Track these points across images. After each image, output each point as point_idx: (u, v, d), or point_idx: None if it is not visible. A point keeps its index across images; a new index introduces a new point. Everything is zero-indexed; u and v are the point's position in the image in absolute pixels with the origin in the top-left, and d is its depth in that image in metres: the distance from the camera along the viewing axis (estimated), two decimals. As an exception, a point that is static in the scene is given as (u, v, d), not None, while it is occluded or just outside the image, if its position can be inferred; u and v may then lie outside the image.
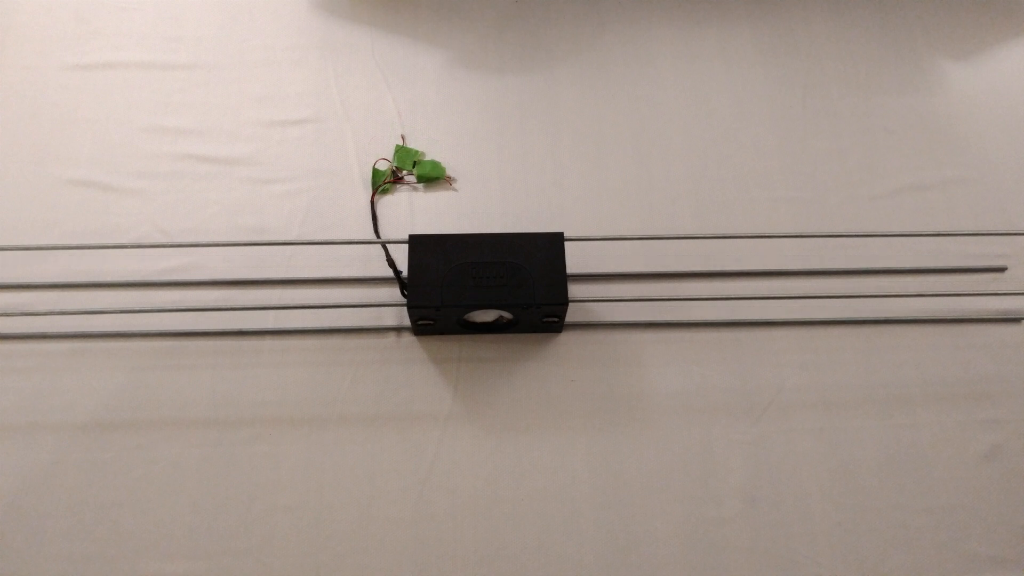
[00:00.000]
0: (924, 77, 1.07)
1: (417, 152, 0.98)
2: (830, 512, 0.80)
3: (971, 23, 1.12)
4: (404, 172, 0.97)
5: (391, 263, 0.88)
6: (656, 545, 0.78)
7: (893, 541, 0.79)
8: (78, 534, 0.76)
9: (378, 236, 0.93)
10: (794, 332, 0.89)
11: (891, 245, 0.94)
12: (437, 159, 0.98)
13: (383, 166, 0.97)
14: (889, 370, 0.87)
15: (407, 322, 0.86)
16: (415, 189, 0.97)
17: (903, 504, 0.80)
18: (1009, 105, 1.05)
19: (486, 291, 0.79)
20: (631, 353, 0.87)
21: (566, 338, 0.88)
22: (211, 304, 0.87)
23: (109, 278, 0.88)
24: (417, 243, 0.82)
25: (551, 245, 0.82)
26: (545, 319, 0.83)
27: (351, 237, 0.93)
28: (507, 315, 0.83)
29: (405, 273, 0.82)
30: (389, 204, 0.96)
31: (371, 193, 0.95)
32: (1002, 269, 0.93)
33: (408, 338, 0.87)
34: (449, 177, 0.97)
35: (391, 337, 0.87)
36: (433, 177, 0.97)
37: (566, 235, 0.83)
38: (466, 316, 0.83)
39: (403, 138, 0.99)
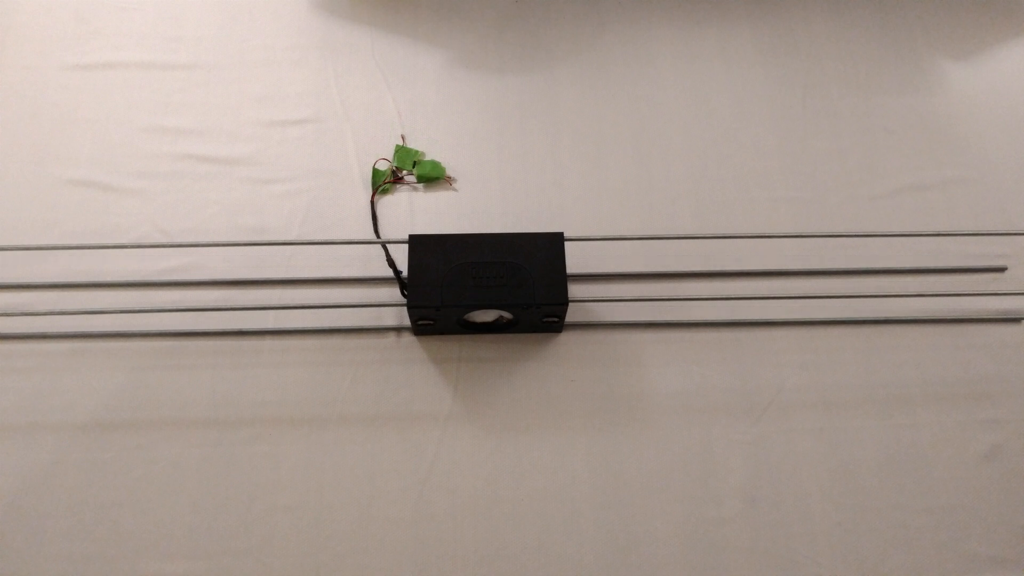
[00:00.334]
0: (924, 77, 1.07)
1: (417, 152, 0.98)
2: (830, 512, 0.80)
3: (971, 23, 1.12)
4: (404, 172, 0.97)
5: (391, 263, 0.88)
6: (656, 545, 0.78)
7: (893, 541, 0.79)
8: (78, 534, 0.76)
9: (378, 236, 0.93)
10: (794, 332, 0.89)
11: (891, 245, 0.94)
12: (437, 159, 0.98)
13: (383, 166, 0.97)
14: (889, 370, 0.87)
15: (407, 322, 0.86)
16: (415, 189, 0.97)
17: (903, 504, 0.80)
18: (1009, 105, 1.05)
19: (486, 291, 0.79)
20: (631, 353, 0.87)
21: (566, 338, 0.88)
22: (211, 304, 0.87)
23: (109, 278, 0.88)
24: (417, 243, 0.82)
25: (551, 245, 0.82)
26: (545, 319, 0.83)
27: (351, 237, 0.93)
28: (507, 315, 0.83)
29: (405, 273, 0.82)
30: (389, 204, 0.96)
31: (371, 193, 0.95)
32: (1002, 269, 0.93)
33: (408, 338, 0.87)
34: (449, 177, 0.97)
35: (391, 337, 0.87)
36: (433, 177, 0.97)
37: (566, 235, 0.83)
38: (466, 316, 0.83)
39: (403, 138, 0.99)
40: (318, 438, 0.82)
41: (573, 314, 0.86)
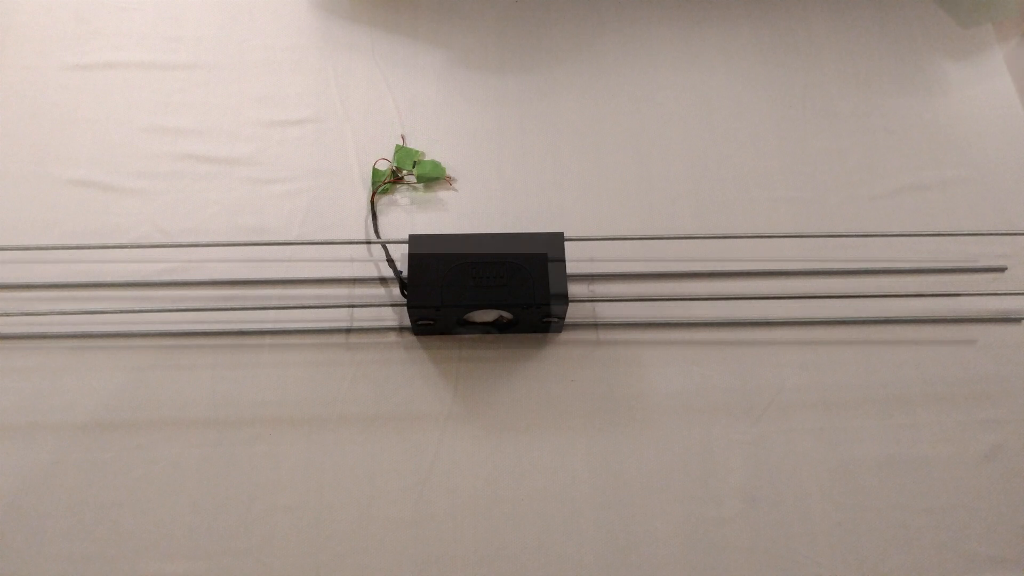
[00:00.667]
0: (924, 77, 1.07)
1: (417, 152, 0.98)
2: (830, 512, 0.80)
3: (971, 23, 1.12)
4: (404, 172, 0.96)
5: (391, 263, 0.88)
6: (656, 545, 0.78)
7: (893, 541, 0.79)
8: (78, 534, 0.76)
9: (378, 236, 0.93)
10: (794, 332, 0.89)
11: (891, 245, 0.94)
12: (437, 159, 0.98)
13: (383, 166, 0.96)
14: (889, 370, 0.87)
15: (407, 322, 0.86)
16: (415, 189, 0.97)
17: (903, 504, 0.80)
18: (1009, 105, 1.05)
19: (486, 291, 0.79)
20: (631, 353, 0.87)
21: (566, 338, 0.88)
22: (211, 304, 0.87)
23: (109, 278, 0.88)
24: (417, 243, 0.82)
25: (551, 245, 0.82)
26: (545, 319, 0.83)
27: (351, 237, 0.93)
28: (507, 315, 0.83)
29: (405, 273, 0.82)
30: (389, 204, 0.96)
31: (371, 193, 0.95)
32: (1002, 269, 0.93)
33: (408, 338, 0.87)
34: (449, 177, 0.97)
35: (391, 337, 0.87)
36: (433, 177, 0.97)
37: (566, 235, 0.83)
38: (466, 316, 0.83)
39: (403, 138, 0.99)
40: (318, 438, 0.82)
41: (573, 314, 0.86)
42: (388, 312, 0.88)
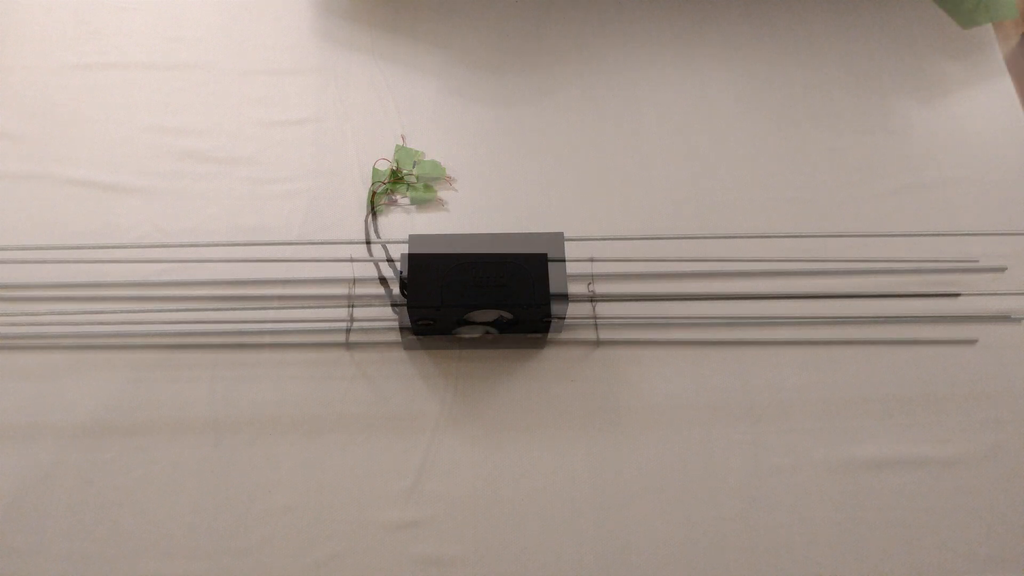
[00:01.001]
0: (924, 77, 1.07)
1: (417, 152, 0.98)
2: (830, 512, 0.80)
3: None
4: (404, 172, 0.96)
5: (391, 263, 0.88)
6: (656, 545, 0.78)
7: (893, 541, 0.79)
8: (78, 534, 0.76)
9: (378, 236, 0.93)
10: (794, 332, 0.89)
11: (891, 245, 0.94)
12: (437, 159, 0.98)
13: (383, 166, 0.96)
14: (889, 370, 0.87)
15: (407, 322, 0.86)
16: (415, 189, 0.96)
17: (903, 504, 0.80)
18: (1009, 105, 1.05)
19: (486, 291, 0.79)
20: (631, 353, 0.87)
21: (566, 338, 0.88)
22: (211, 305, 0.87)
23: (109, 278, 0.88)
24: (417, 243, 0.82)
25: (551, 245, 0.82)
26: (545, 319, 0.83)
27: (351, 237, 0.93)
28: (507, 315, 0.83)
29: (405, 273, 0.82)
30: (389, 204, 0.96)
31: (371, 193, 0.95)
32: (1002, 269, 0.93)
33: (408, 338, 0.87)
34: (449, 177, 0.97)
35: (391, 337, 0.87)
36: (433, 177, 0.97)
37: (566, 235, 0.83)
38: (466, 316, 0.83)
39: (403, 138, 0.99)
40: (317, 438, 0.82)
41: (573, 314, 0.86)
42: (388, 312, 0.88)
